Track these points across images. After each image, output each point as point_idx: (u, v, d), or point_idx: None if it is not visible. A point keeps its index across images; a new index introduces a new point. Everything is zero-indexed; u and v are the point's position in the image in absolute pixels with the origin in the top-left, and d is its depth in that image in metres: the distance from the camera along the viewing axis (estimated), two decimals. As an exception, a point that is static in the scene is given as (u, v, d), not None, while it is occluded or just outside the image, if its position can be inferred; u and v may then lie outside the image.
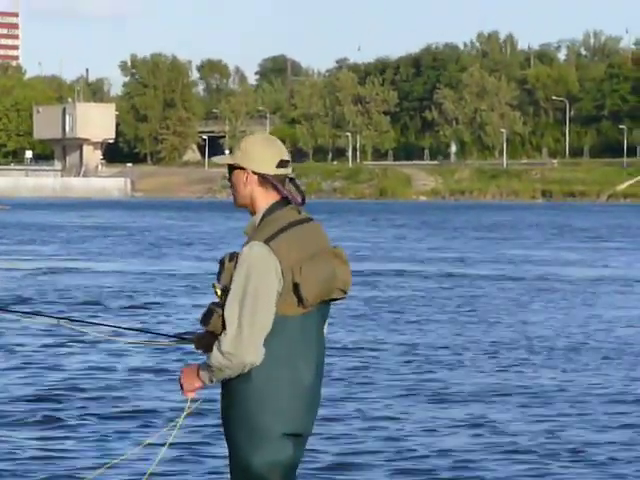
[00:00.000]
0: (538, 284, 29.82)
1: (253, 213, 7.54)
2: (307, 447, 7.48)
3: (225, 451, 7.61)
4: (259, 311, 7.26)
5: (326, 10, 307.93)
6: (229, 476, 7.80)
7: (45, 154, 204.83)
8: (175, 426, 8.10)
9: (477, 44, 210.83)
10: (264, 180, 7.49)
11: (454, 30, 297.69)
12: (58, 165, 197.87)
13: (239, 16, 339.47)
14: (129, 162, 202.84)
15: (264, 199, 7.54)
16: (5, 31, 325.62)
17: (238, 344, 7.21)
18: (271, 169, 7.47)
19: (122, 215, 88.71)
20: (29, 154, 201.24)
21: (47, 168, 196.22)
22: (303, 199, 7.55)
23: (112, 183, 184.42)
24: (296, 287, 7.28)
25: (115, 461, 9.20)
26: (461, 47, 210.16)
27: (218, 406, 7.28)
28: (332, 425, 11.52)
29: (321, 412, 9.58)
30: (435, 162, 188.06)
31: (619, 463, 10.13)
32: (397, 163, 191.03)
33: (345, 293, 7.49)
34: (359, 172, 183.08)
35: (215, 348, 7.27)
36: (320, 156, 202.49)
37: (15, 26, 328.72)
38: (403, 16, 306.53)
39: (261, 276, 7.28)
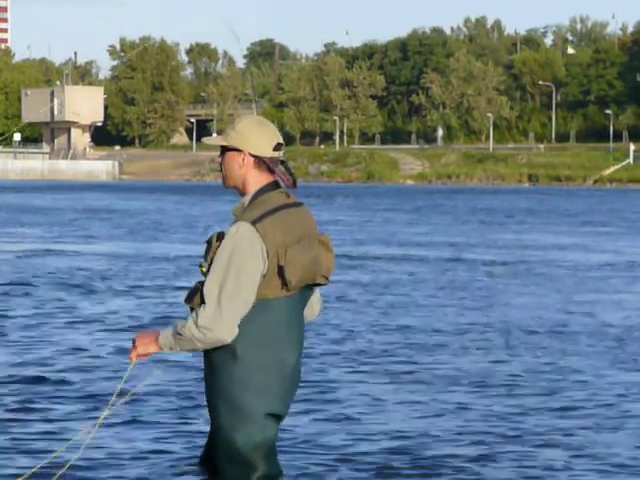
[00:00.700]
0: (534, 268, 29.80)
1: (243, 194, 7.58)
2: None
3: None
4: (240, 290, 7.28)
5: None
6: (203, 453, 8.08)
7: (33, 137, 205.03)
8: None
9: (464, 29, 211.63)
10: (260, 162, 7.53)
11: (441, 15, 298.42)
12: (46, 148, 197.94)
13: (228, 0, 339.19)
14: (117, 145, 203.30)
15: (256, 181, 7.56)
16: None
17: (215, 320, 7.24)
18: (268, 152, 7.52)
19: (110, 198, 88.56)
20: (17, 137, 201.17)
21: (35, 151, 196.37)
22: (294, 182, 7.61)
23: (100, 166, 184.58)
24: (281, 270, 7.31)
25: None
26: (448, 32, 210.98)
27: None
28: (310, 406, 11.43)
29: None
30: (422, 146, 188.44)
31: (597, 446, 10.04)
32: (384, 147, 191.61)
33: (327, 279, 7.59)
34: (346, 156, 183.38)
35: (191, 320, 7.28)
36: (307, 140, 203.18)
37: (4, 9, 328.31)
38: (390, 1, 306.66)
39: (245, 256, 7.29)
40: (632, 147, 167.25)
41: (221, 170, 7.69)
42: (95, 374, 13.15)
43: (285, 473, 7.98)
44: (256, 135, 7.54)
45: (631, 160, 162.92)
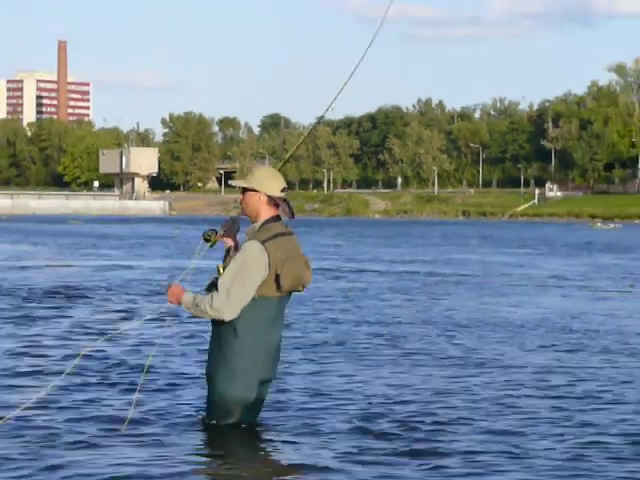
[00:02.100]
0: (471, 278, 29.62)
1: (254, 222, 7.94)
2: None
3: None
4: (243, 288, 7.71)
5: (309, 81, 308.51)
6: (207, 412, 8.31)
7: (108, 184, 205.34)
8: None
9: (417, 106, 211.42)
10: (271, 200, 7.97)
11: (400, 96, 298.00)
12: (117, 192, 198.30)
13: (247, 84, 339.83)
14: (167, 190, 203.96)
15: (266, 213, 7.98)
16: (80, 96, 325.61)
17: (223, 305, 7.70)
18: (277, 193, 7.98)
19: (162, 227, 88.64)
20: (96, 184, 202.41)
21: (109, 194, 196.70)
22: (292, 215, 8.02)
23: (155, 205, 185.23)
24: (277, 277, 7.76)
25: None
26: (404, 109, 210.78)
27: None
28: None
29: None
30: (386, 191, 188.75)
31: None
32: (359, 191, 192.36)
33: (304, 289, 8.06)
34: (331, 197, 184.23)
35: (208, 298, 7.75)
36: (303, 186, 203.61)
37: (87, 93, 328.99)
38: (363, 86, 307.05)
39: (253, 264, 7.73)
40: (537, 191, 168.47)
41: (241, 204, 8.07)
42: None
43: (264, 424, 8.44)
44: (270, 181, 7.98)
45: (536, 201, 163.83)
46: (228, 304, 7.70)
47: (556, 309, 20.26)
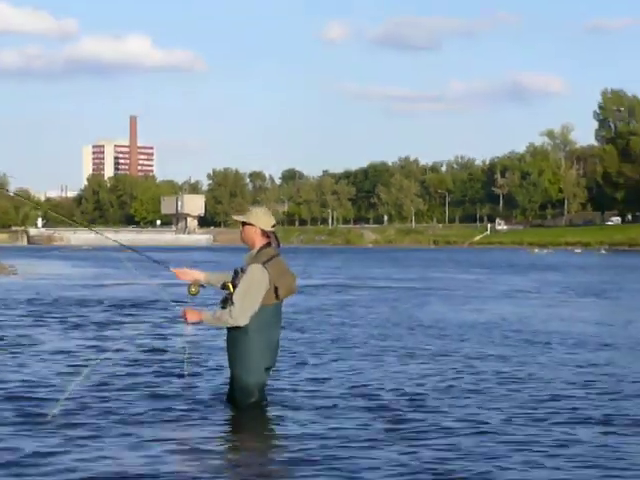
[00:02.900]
0: (441, 291, 29.46)
1: (251, 248, 7.89)
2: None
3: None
4: (252, 299, 7.67)
5: (317, 144, 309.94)
6: (228, 394, 8.22)
7: (167, 222, 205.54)
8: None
9: (398, 162, 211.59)
10: (263, 232, 7.92)
11: (386, 154, 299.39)
12: (174, 228, 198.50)
13: (271, 147, 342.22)
14: (212, 226, 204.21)
15: (260, 242, 7.92)
16: (146, 157, 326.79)
17: (240, 315, 7.64)
18: (268, 227, 7.93)
19: (208, 254, 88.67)
20: (158, 222, 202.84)
21: (167, 229, 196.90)
22: (278, 245, 7.97)
23: (202, 237, 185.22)
24: (276, 289, 7.74)
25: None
26: (389, 164, 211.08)
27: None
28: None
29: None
30: (376, 225, 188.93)
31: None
32: (355, 226, 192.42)
33: (291, 296, 8.05)
34: (335, 231, 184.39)
35: (227, 312, 7.65)
36: (313, 222, 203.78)
37: (152, 154, 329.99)
38: (358, 147, 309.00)
39: (258, 283, 7.69)
40: (489, 225, 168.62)
41: (241, 234, 8.00)
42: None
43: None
44: (264, 218, 7.95)
45: (488, 232, 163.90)
46: (243, 313, 7.61)
47: (508, 314, 20.13)
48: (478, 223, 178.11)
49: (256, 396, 7.85)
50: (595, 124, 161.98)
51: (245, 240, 7.97)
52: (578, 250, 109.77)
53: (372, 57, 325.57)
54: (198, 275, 8.21)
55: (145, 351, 12.67)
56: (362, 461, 6.68)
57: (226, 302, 7.72)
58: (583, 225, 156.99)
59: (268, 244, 7.89)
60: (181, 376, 9.88)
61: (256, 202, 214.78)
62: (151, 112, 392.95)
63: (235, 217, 8.17)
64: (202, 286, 8.17)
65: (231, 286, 7.76)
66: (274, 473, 6.44)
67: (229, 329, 7.82)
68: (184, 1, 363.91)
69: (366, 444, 7.19)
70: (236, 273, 7.87)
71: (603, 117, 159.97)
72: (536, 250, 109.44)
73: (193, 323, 7.93)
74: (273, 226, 7.95)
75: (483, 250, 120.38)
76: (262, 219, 7.92)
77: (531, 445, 7.19)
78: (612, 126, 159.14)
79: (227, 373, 8.30)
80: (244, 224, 7.95)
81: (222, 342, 8.49)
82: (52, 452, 6.81)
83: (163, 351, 12.76)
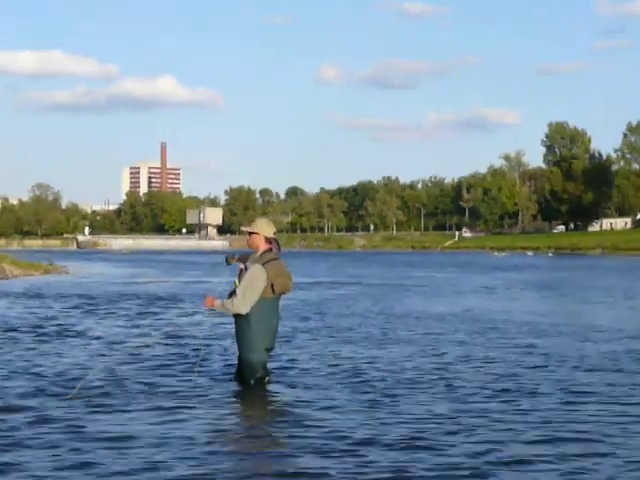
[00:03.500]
0: (418, 287, 29.40)
1: (256, 252, 7.89)
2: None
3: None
4: (252, 292, 7.72)
5: (315, 165, 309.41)
6: (236, 372, 8.23)
7: (191, 230, 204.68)
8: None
9: (382, 180, 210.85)
10: (266, 239, 7.94)
11: (372, 174, 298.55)
12: (197, 235, 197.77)
13: (278, 167, 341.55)
14: (228, 234, 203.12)
15: (263, 247, 7.94)
16: (174, 176, 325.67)
17: (241, 304, 7.71)
18: (270, 235, 7.97)
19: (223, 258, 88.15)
20: (184, 230, 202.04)
21: (191, 237, 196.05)
22: (279, 249, 7.96)
23: (220, 243, 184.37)
24: (272, 285, 7.76)
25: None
26: (375, 182, 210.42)
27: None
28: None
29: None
30: (364, 233, 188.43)
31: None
32: (347, 234, 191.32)
33: (287, 293, 7.99)
34: (329, 238, 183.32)
35: (231, 301, 7.74)
36: (312, 231, 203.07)
37: (179, 174, 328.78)
38: (349, 168, 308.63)
39: (258, 278, 7.73)
40: (457, 233, 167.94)
41: (248, 241, 8.02)
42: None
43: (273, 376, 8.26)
44: (266, 227, 7.98)
45: (456, 238, 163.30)
46: (244, 303, 7.71)
47: (473, 306, 20.07)
48: (448, 231, 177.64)
49: (260, 372, 7.92)
50: (543, 150, 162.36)
51: (251, 246, 8.04)
52: (530, 253, 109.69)
53: (360, 94, 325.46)
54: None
55: (169, 337, 12.65)
56: (344, 422, 6.73)
57: (232, 294, 7.86)
58: (534, 232, 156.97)
59: (270, 250, 7.95)
60: (195, 362, 9.40)
61: (265, 214, 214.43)
62: (178, 139, 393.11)
63: (243, 228, 8.30)
64: (234, 262, 8.17)
65: (237, 282, 7.89)
66: (271, 433, 6.48)
67: (236, 319, 7.89)
68: (207, 50, 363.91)
69: (349, 409, 7.24)
70: (241, 272, 7.97)
71: (550, 144, 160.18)
72: (496, 253, 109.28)
73: (209, 308, 8.04)
74: (274, 234, 8.03)
75: (452, 253, 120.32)
76: (265, 228, 8.00)
77: (486, 412, 7.24)
78: (557, 151, 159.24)
79: (234, 358, 8.33)
80: (250, 233, 8.02)
81: (231, 330, 8.49)
82: (79, 417, 6.86)
83: (183, 337, 12.73)
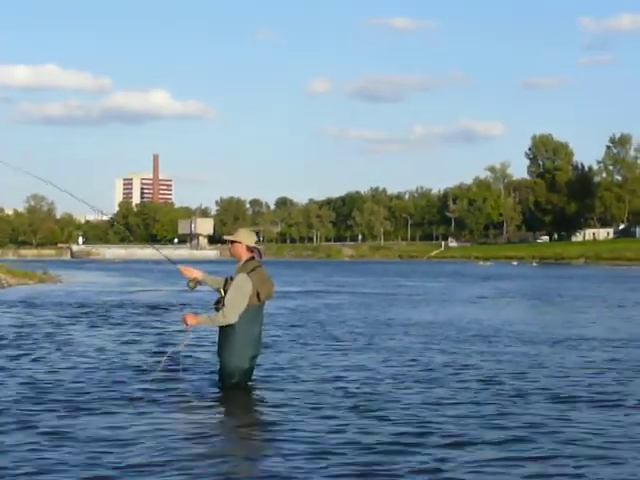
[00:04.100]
0: (407, 296, 29.36)
1: (238, 261, 7.84)
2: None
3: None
4: (240, 302, 7.65)
5: (304, 176, 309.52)
6: (218, 379, 8.07)
7: (182, 240, 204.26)
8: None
9: (369, 191, 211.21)
10: (248, 248, 7.89)
11: (360, 185, 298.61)
12: (188, 245, 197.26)
13: (267, 178, 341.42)
14: (219, 244, 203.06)
15: (245, 256, 7.88)
16: (166, 187, 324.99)
17: (230, 314, 7.61)
18: (252, 243, 7.94)
19: (215, 266, 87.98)
20: (176, 240, 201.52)
21: (183, 246, 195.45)
22: (261, 257, 7.91)
23: (211, 252, 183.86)
24: (258, 293, 7.72)
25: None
26: (362, 193, 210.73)
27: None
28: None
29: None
30: (352, 243, 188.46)
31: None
32: (336, 243, 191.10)
33: (271, 299, 7.92)
34: (318, 248, 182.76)
35: (220, 314, 7.60)
36: (302, 241, 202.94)
37: (170, 185, 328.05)
38: (337, 179, 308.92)
39: (244, 288, 7.67)
40: (443, 243, 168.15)
41: (230, 250, 7.99)
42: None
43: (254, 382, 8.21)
44: (248, 236, 7.96)
45: (442, 248, 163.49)
46: (233, 313, 7.64)
47: (467, 314, 20.03)
48: (434, 241, 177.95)
49: (236, 378, 7.84)
50: (527, 162, 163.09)
51: (234, 254, 8.00)
52: (515, 262, 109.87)
53: (349, 107, 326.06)
54: (197, 274, 8.20)
55: (156, 345, 12.60)
56: (324, 426, 6.73)
57: (219, 303, 7.75)
58: (519, 242, 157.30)
59: (252, 258, 7.92)
60: (178, 370, 9.21)
61: (255, 224, 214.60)
62: (170, 151, 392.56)
63: (225, 237, 8.35)
64: (199, 283, 8.14)
65: (222, 291, 7.80)
66: (251, 437, 6.48)
67: (221, 326, 7.83)
68: (198, 64, 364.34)
69: (330, 414, 7.23)
70: (226, 281, 7.89)
71: (533, 156, 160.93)
72: (481, 262, 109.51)
73: (192, 325, 7.82)
74: (256, 242, 8.03)
75: (439, 263, 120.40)
76: (246, 237, 7.97)
77: (471, 415, 7.27)
78: (541, 163, 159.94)
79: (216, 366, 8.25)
80: (232, 242, 7.99)
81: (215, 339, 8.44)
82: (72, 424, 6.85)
83: (169, 345, 12.70)
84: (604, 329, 16.18)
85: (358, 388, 8.67)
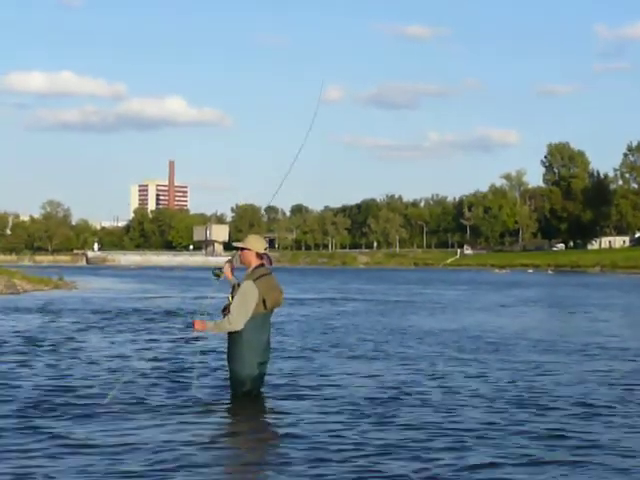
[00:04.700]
0: (427, 303, 29.21)
1: (248, 267, 7.84)
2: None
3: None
4: (246, 309, 7.63)
5: (319, 183, 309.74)
6: (229, 386, 7.98)
7: (198, 247, 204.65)
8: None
9: (385, 198, 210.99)
10: (258, 254, 7.88)
11: (375, 192, 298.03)
12: (204, 252, 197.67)
13: (284, 186, 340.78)
14: (234, 250, 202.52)
15: (255, 263, 7.87)
16: (182, 194, 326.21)
17: (236, 321, 7.62)
18: (261, 250, 7.91)
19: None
20: (191, 247, 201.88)
21: (198, 253, 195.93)
22: (271, 263, 7.91)
23: (226, 259, 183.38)
24: (264, 301, 7.69)
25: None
26: (378, 200, 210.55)
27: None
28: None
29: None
30: (367, 250, 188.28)
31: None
32: (352, 250, 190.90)
33: (279, 307, 7.94)
34: (334, 255, 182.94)
35: (226, 320, 7.61)
36: (317, 248, 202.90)
37: (186, 192, 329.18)
38: (354, 186, 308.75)
39: (250, 295, 7.65)
40: (458, 251, 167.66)
41: (240, 257, 7.96)
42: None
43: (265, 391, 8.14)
44: (257, 243, 7.93)
45: (458, 256, 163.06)
46: (238, 320, 7.62)
47: (488, 323, 19.95)
48: (450, 249, 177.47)
49: (248, 386, 7.80)
50: (543, 169, 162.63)
51: (243, 261, 7.97)
52: (530, 270, 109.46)
53: (364, 114, 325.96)
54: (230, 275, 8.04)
55: (168, 352, 12.59)
56: (334, 437, 6.68)
57: (225, 309, 7.74)
58: (534, 250, 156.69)
59: (261, 265, 7.88)
60: (192, 377, 9.37)
61: (270, 231, 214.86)
62: (186, 158, 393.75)
63: (235, 244, 8.19)
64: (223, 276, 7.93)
65: (230, 297, 7.78)
66: (260, 445, 6.46)
67: (229, 334, 7.81)
68: (214, 71, 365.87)
69: (340, 422, 7.19)
70: (234, 287, 7.86)
71: (549, 164, 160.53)
72: (496, 270, 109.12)
73: (200, 331, 7.89)
74: (265, 249, 7.98)
75: (454, 270, 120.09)
76: (256, 244, 7.93)
77: (489, 425, 7.20)
78: (556, 171, 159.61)
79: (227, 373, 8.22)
80: (242, 249, 7.96)
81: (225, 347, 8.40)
82: (97, 431, 6.84)
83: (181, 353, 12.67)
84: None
85: (376, 396, 8.60)
